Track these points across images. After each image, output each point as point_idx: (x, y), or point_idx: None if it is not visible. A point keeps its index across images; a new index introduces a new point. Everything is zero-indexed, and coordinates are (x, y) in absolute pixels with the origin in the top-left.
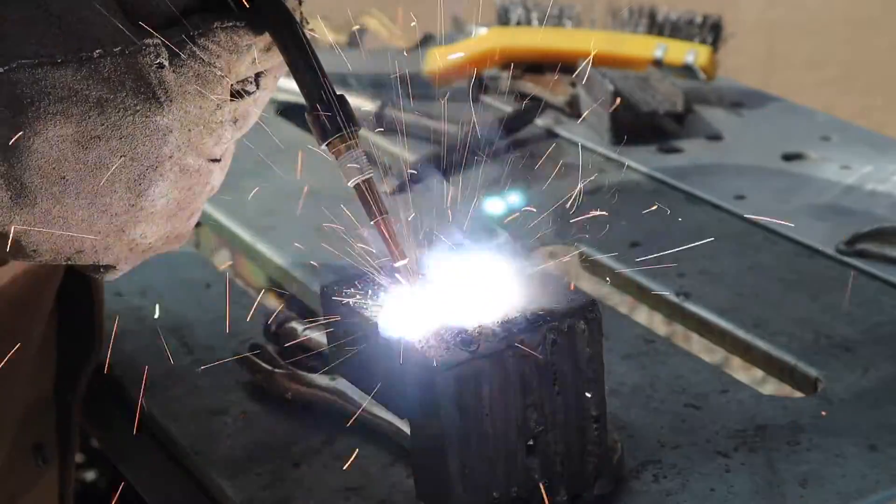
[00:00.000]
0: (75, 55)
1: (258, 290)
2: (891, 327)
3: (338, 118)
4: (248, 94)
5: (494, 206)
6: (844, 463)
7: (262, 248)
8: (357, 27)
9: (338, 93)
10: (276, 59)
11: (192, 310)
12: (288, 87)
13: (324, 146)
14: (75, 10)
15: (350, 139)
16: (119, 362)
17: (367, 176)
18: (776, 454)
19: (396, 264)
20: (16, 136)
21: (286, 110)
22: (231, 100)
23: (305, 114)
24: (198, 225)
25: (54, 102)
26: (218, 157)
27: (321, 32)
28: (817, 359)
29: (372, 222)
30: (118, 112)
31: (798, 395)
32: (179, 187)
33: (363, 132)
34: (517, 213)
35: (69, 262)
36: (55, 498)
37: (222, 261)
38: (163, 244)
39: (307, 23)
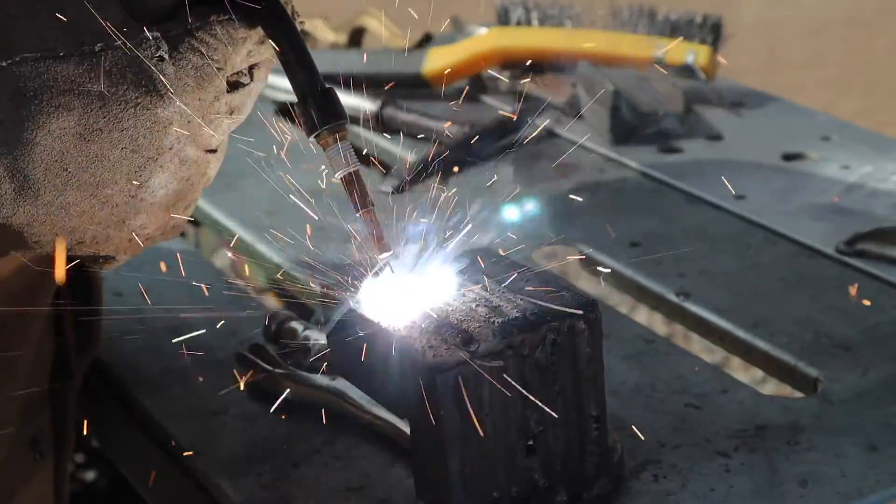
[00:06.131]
0: (77, 49)
1: (258, 291)
2: (891, 327)
3: (326, 111)
4: (243, 85)
5: (510, 213)
6: (844, 463)
7: (262, 248)
8: (357, 27)
9: (327, 86)
10: (269, 51)
11: (192, 310)
12: (288, 87)
13: (312, 138)
14: (77, 5)
15: (338, 132)
16: (119, 362)
17: (354, 168)
18: (776, 454)
19: (381, 256)
20: (19, 129)
21: (285, 110)
22: (227, 91)
23: (295, 106)
24: (198, 225)
25: (57, 95)
26: (214, 148)
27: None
28: (817, 359)
29: (357, 214)
30: (119, 105)
31: (798, 395)
32: (179, 178)
33: (363, 132)
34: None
35: (69, 253)
36: (50, 491)
37: (222, 261)
38: (160, 234)
39: (298, 15)
